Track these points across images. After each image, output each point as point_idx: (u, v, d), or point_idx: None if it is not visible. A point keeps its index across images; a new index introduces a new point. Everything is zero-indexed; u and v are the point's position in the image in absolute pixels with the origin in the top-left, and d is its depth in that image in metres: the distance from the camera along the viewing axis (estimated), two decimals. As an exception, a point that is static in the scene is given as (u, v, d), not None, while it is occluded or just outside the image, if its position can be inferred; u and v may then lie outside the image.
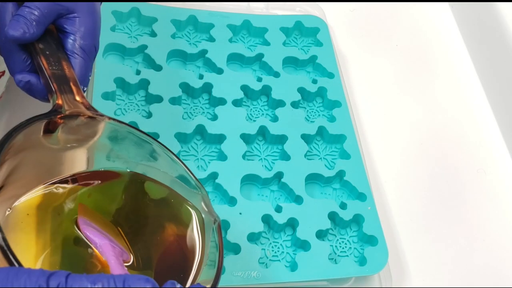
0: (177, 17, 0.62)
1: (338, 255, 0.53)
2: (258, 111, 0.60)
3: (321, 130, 0.59)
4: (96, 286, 0.29)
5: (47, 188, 0.39)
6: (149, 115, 0.55)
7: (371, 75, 0.69)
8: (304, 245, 0.52)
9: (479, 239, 0.59)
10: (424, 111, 0.68)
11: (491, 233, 0.60)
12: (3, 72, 0.51)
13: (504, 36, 0.68)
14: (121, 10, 0.60)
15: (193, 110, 0.58)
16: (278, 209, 0.53)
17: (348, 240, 0.54)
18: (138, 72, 0.57)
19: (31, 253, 0.36)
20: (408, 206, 0.60)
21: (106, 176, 0.42)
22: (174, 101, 0.57)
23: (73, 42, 0.43)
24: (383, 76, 0.70)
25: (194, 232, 0.41)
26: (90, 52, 0.44)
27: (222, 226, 0.51)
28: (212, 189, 0.54)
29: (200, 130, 0.56)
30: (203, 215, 0.41)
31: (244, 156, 0.55)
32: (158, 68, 0.58)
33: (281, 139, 0.58)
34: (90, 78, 0.45)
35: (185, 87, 0.58)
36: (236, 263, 0.49)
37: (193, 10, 0.63)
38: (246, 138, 0.57)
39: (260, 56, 0.63)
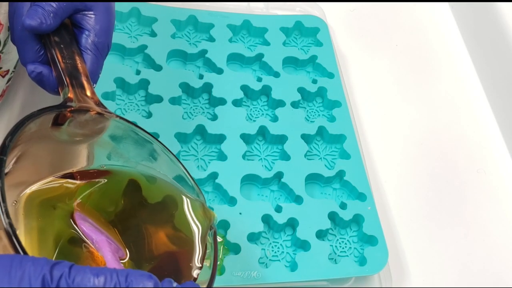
0: (177, 17, 0.62)
1: (338, 255, 0.53)
2: (258, 111, 0.60)
3: (321, 130, 0.59)
4: (99, 279, 0.29)
5: (47, 182, 0.39)
6: (149, 115, 0.55)
7: (371, 75, 0.69)
8: (304, 245, 0.52)
9: (479, 239, 0.59)
10: (424, 111, 0.68)
11: (491, 233, 0.60)
12: (8, 71, 0.51)
13: (504, 36, 0.68)
14: (121, 10, 0.60)
15: (193, 110, 0.58)
16: (278, 209, 0.53)
17: (348, 240, 0.54)
18: (138, 72, 0.57)
19: (25, 245, 0.36)
20: (408, 206, 0.60)
21: (106, 175, 0.42)
22: (174, 101, 0.57)
23: (88, 39, 0.44)
24: (383, 76, 0.70)
25: (190, 235, 0.41)
26: (103, 49, 0.44)
27: (222, 226, 0.51)
28: (212, 189, 0.54)
29: (200, 130, 0.56)
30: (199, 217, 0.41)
31: (244, 156, 0.55)
32: (158, 68, 0.58)
33: (281, 139, 0.58)
34: (100, 75, 0.45)
35: (185, 87, 0.58)
36: (236, 263, 0.49)
37: (193, 10, 0.63)
38: (246, 138, 0.57)
39: (260, 56, 0.63)
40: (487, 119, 0.69)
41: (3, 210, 0.31)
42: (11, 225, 0.31)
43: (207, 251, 0.40)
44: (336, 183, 0.57)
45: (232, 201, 0.52)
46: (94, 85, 0.44)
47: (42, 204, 0.38)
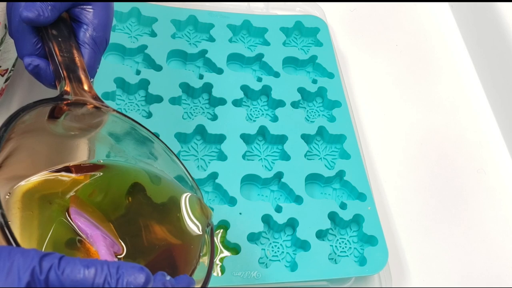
0: (177, 17, 0.62)
1: (338, 255, 0.53)
2: (258, 111, 0.60)
3: (321, 130, 0.59)
4: (89, 270, 0.28)
5: (43, 176, 0.39)
6: (149, 115, 0.55)
7: (371, 75, 0.69)
8: (304, 245, 0.52)
9: (479, 239, 0.59)
10: (424, 111, 0.68)
11: (491, 233, 0.60)
12: (6, 70, 0.51)
13: (504, 36, 0.68)
14: (121, 10, 0.60)
15: (193, 110, 0.58)
16: (278, 209, 0.53)
17: (348, 240, 0.54)
18: (138, 72, 0.57)
19: (18, 239, 0.35)
20: (408, 206, 0.60)
21: (102, 168, 0.42)
22: (174, 101, 0.57)
23: (86, 33, 0.44)
24: (383, 76, 0.70)
25: (187, 231, 0.41)
26: (101, 44, 0.44)
27: (222, 226, 0.51)
28: (212, 189, 0.54)
29: (200, 130, 0.56)
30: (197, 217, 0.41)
31: (244, 156, 0.55)
32: (158, 68, 0.58)
33: (281, 139, 0.58)
34: (97, 70, 0.45)
35: (185, 87, 0.58)
36: (236, 263, 0.49)
37: (193, 10, 0.63)
38: (246, 138, 0.57)
39: (260, 56, 0.63)
40: (487, 119, 0.69)
41: None
42: (3, 215, 0.30)
43: (204, 247, 0.40)
44: (336, 183, 0.57)
45: (232, 201, 0.52)
46: (92, 79, 0.43)
47: (37, 198, 0.37)
